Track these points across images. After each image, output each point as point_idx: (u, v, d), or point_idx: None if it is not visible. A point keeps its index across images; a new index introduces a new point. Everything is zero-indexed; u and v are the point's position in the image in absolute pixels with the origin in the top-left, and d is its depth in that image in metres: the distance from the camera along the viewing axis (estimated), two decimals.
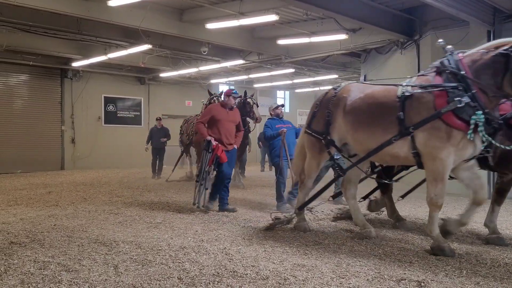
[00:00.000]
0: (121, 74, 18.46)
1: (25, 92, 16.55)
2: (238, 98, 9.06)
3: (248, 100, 10.33)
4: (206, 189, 7.05)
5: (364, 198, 6.60)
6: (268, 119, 8.05)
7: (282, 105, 8.19)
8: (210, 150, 6.90)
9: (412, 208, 7.66)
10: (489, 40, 8.80)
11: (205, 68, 16.81)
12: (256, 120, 10.24)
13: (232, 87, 8.03)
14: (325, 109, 5.44)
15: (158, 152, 13.89)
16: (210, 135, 7.06)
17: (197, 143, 10.51)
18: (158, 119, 14.23)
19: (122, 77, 18.76)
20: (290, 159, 7.28)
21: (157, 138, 13.78)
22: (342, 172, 5.68)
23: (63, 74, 17.18)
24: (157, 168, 13.75)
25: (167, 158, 14.38)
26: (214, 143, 6.90)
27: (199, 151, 10.71)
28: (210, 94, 11.01)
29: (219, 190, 7.23)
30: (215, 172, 7.15)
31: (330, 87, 6.02)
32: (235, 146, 7.34)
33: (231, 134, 7.28)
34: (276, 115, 7.94)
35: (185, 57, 16.09)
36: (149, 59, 15.48)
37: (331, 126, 5.33)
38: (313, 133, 5.56)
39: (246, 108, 10.19)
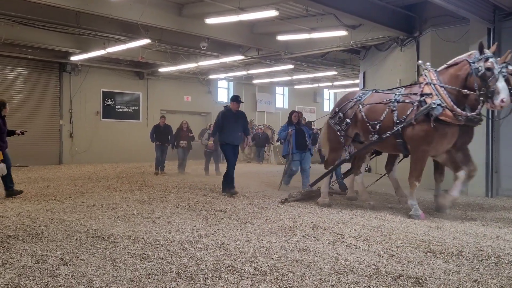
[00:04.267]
0: (119, 69, 18.44)
1: (23, 86, 16.49)
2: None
3: None
4: None
5: None
6: None
7: None
8: None
9: None
10: (489, 37, 8.79)
11: (204, 63, 16.80)
12: None
13: None
14: None
15: (233, 150, 8.88)
16: None
17: (421, 136, 6.32)
18: (238, 101, 8.84)
19: (120, 71, 18.73)
20: None
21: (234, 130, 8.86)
22: None
23: (61, 68, 17.13)
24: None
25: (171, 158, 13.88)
26: None
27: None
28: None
29: None
30: None
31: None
32: None
33: None
34: None
35: (184, 52, 16.07)
36: (148, 54, 15.44)
37: None
38: None
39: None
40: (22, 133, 8.98)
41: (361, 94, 7.39)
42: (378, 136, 6.76)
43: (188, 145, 13.59)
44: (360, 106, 7.14)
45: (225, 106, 9.12)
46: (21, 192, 8.25)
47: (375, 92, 7.31)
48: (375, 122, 6.81)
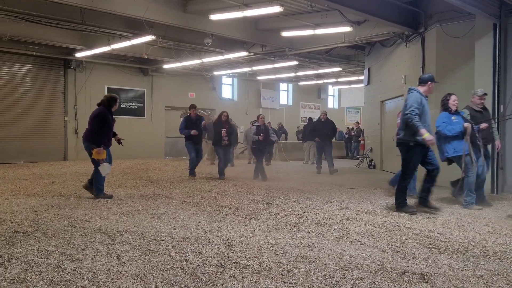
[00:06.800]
0: (124, 65, 18.48)
1: (28, 82, 16.57)
2: None
3: None
4: None
5: None
6: None
7: None
8: None
9: None
10: (495, 33, 8.72)
11: (209, 59, 16.80)
12: None
13: None
14: None
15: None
16: None
17: None
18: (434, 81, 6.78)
19: (125, 68, 18.77)
20: None
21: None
22: None
23: (66, 65, 17.21)
24: None
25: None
26: None
27: None
28: None
29: None
30: None
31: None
32: None
33: None
34: None
35: (188, 48, 16.08)
36: (153, 50, 15.46)
37: None
38: None
39: None
40: (120, 142, 8.52)
41: None
42: None
43: (229, 140, 10.90)
44: None
45: (412, 88, 6.57)
46: (111, 196, 7.59)
47: None
48: None
